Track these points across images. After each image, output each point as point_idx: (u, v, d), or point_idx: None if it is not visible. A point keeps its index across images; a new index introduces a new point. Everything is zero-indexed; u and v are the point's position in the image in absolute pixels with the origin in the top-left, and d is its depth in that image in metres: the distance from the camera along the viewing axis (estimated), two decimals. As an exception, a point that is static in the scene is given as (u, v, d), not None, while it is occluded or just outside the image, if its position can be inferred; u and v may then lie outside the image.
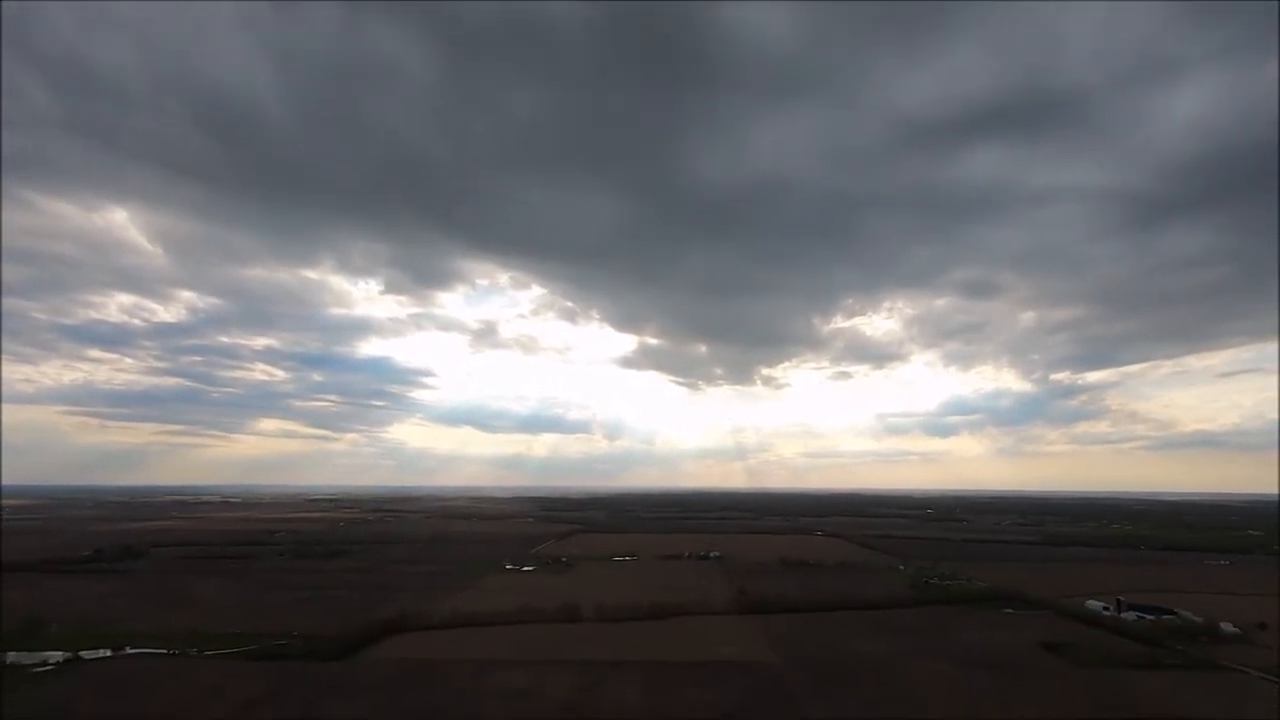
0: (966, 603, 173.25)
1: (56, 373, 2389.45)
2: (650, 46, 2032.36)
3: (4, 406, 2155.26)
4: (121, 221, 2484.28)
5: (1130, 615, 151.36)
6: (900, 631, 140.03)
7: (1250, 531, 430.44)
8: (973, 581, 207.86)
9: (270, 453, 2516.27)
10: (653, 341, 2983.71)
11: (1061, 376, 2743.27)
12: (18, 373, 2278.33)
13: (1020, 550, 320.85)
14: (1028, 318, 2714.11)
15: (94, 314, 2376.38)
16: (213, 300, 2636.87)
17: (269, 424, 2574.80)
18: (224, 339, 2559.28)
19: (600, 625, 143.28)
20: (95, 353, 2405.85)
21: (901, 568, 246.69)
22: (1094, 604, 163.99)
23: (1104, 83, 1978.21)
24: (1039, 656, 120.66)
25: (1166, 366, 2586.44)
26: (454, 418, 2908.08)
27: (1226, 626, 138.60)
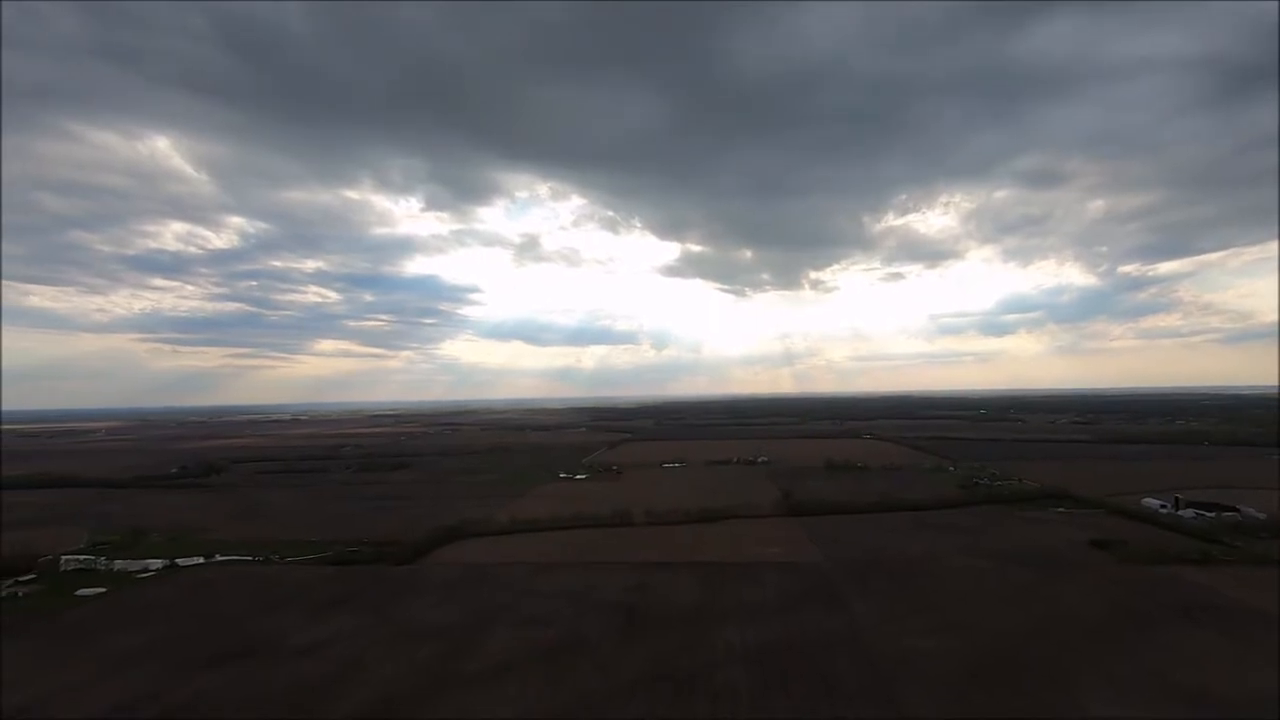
0: (1016, 502, 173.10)
1: (126, 302, 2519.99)
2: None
3: (84, 337, 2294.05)
4: (165, 149, 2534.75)
5: (1188, 512, 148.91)
6: (946, 531, 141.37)
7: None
8: (1023, 481, 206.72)
9: (331, 372, 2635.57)
10: (696, 248, 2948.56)
11: (1130, 269, 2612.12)
12: (91, 303, 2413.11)
13: (1076, 449, 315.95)
14: (1096, 207, 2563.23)
15: (152, 243, 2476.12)
16: (261, 225, 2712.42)
17: (326, 344, 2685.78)
18: (276, 263, 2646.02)
19: (650, 529, 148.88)
20: (159, 281, 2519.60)
21: (951, 469, 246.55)
22: (1150, 502, 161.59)
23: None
24: (1086, 553, 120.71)
25: (1249, 253, 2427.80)
26: (503, 332, 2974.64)
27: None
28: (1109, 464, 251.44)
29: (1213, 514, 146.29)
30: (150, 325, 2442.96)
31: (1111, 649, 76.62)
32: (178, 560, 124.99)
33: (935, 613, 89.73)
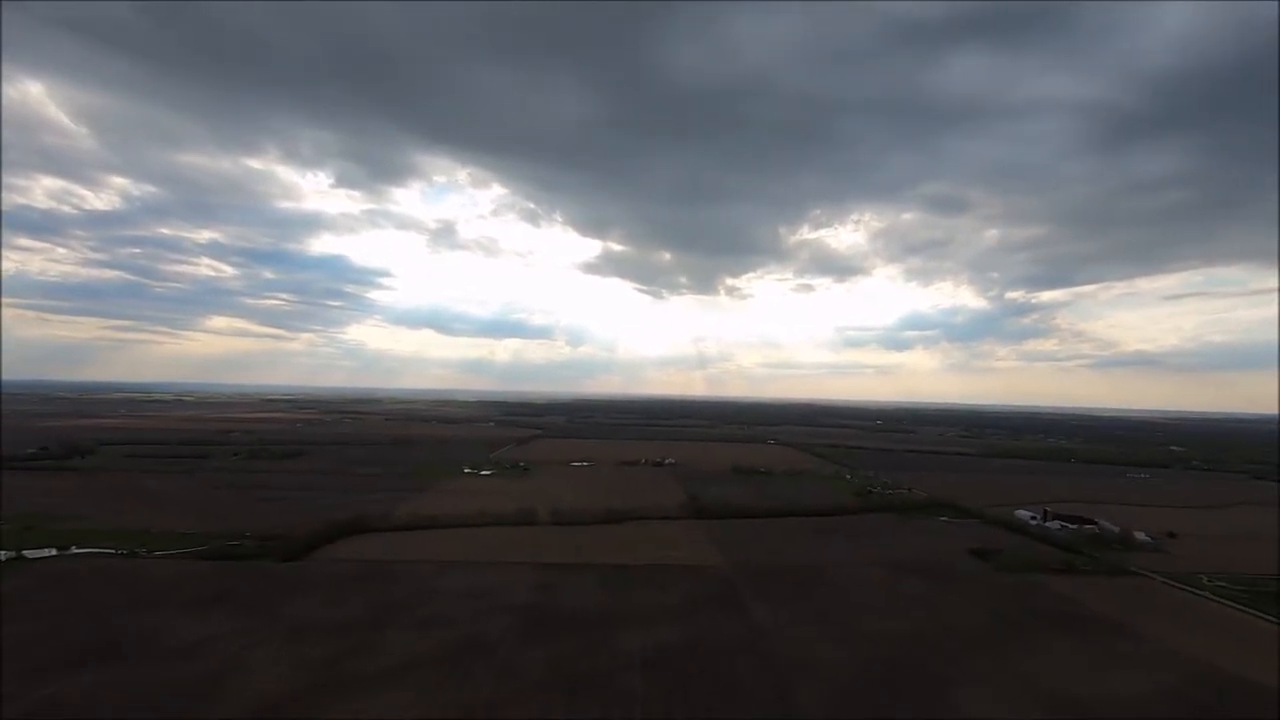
0: (906, 510, 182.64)
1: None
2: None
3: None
4: (38, 95, 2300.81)
5: (1054, 524, 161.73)
6: (841, 537, 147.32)
7: (1172, 447, 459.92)
8: (913, 490, 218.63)
9: (224, 351, 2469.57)
10: (617, 247, 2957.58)
11: (1017, 295, 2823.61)
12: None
13: (961, 461, 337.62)
14: (991, 235, 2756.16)
15: (19, 198, 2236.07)
16: (149, 188, 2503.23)
17: (219, 322, 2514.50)
18: (164, 230, 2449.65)
19: (556, 529, 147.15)
20: (25, 241, 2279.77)
21: (848, 476, 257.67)
22: (1023, 513, 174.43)
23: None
24: (966, 562, 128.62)
25: (1117, 288, 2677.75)
26: (414, 319, 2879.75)
27: (1140, 535, 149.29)
28: (989, 476, 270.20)
29: (1075, 526, 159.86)
30: (14, 288, 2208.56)
31: (987, 654, 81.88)
32: (25, 552, 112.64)
33: (830, 619, 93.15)
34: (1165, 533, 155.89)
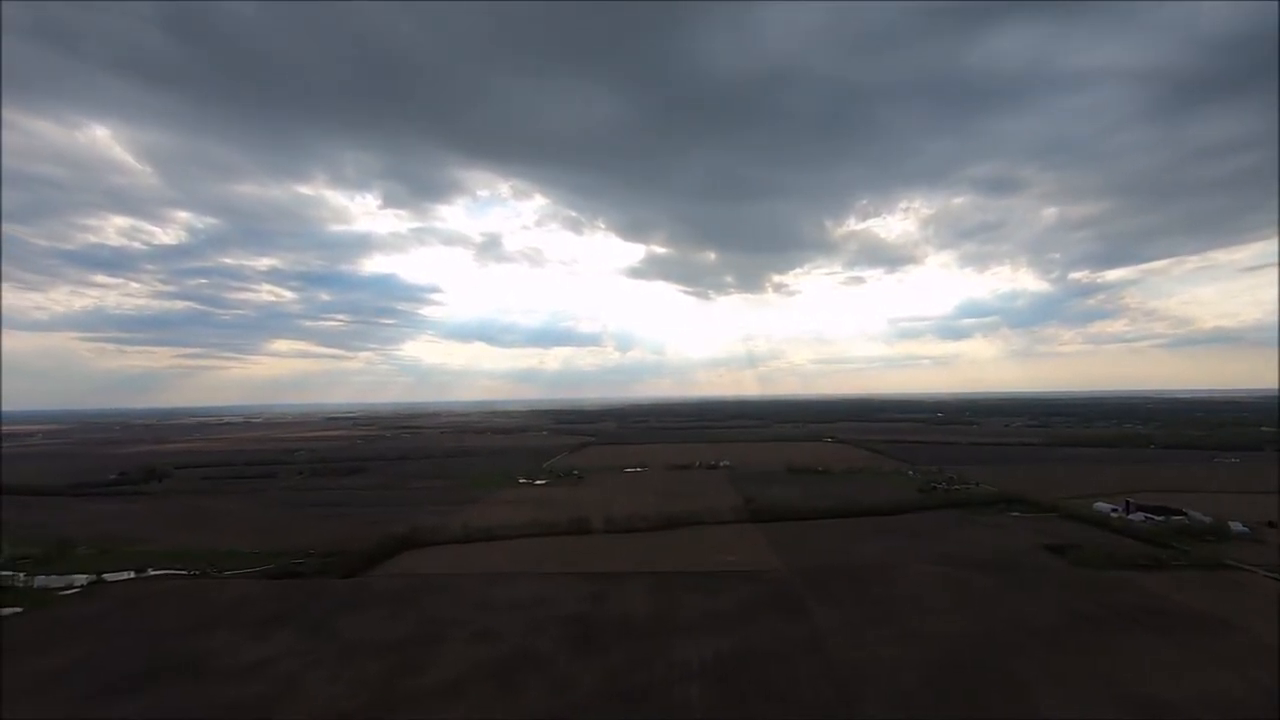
0: (972, 506, 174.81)
1: (66, 299, 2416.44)
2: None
3: (21, 335, 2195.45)
4: (104, 139, 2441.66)
5: (1138, 517, 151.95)
6: (904, 536, 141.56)
7: (1262, 428, 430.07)
8: (979, 485, 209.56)
9: (287, 372, 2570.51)
10: (660, 250, 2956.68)
11: (1080, 275, 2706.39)
12: (28, 300, 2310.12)
13: (1029, 452, 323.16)
14: (1049, 214, 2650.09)
15: (92, 238, 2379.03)
16: (210, 220, 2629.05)
17: (282, 344, 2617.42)
18: (227, 260, 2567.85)
19: (609, 537, 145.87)
20: (100, 277, 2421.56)
21: (909, 472, 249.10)
22: (1102, 506, 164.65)
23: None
24: (1041, 558, 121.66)
25: (1190, 262, 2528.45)
26: (464, 333, 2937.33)
27: (1235, 525, 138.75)
28: (1061, 467, 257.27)
29: (1161, 518, 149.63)
30: (93, 324, 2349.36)
31: (1067, 655, 76.49)
32: (105, 575, 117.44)
33: (895, 621, 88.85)
34: (1264, 522, 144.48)
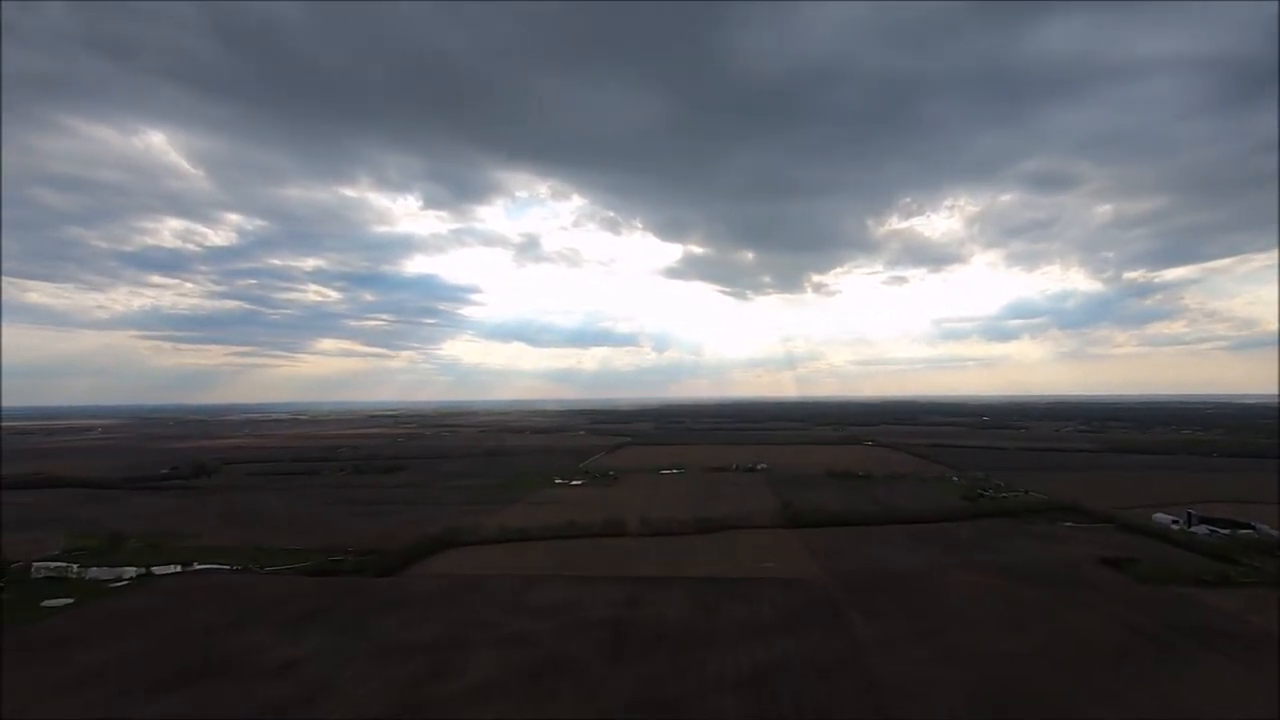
0: (1022, 515, 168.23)
1: (125, 299, 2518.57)
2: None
3: (84, 333, 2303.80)
4: (160, 144, 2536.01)
5: (1202, 529, 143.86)
6: (950, 546, 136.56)
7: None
8: (1029, 492, 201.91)
9: (333, 371, 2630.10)
10: (698, 250, 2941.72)
11: (1135, 275, 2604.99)
12: (91, 300, 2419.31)
13: (1082, 459, 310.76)
14: (1103, 211, 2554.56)
15: (149, 240, 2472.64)
16: (259, 222, 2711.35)
17: (328, 344, 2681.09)
18: (275, 261, 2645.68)
19: (645, 540, 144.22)
20: (157, 278, 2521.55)
21: (954, 478, 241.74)
22: (1162, 517, 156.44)
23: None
24: (1097, 572, 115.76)
25: (1257, 260, 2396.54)
26: (504, 333, 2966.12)
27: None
28: (1116, 475, 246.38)
29: (1227, 531, 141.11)
30: (150, 323, 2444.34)
31: (1124, 676, 72.07)
32: (153, 569, 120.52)
33: (941, 636, 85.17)
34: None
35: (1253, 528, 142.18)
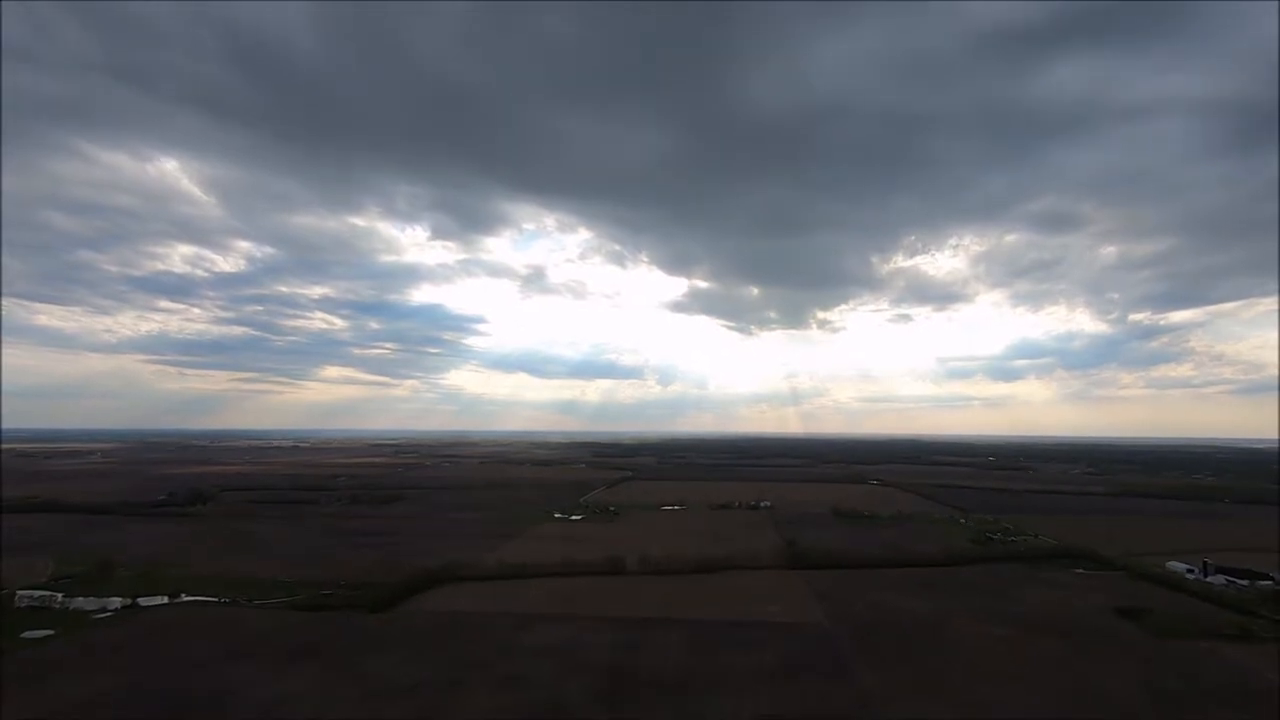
0: (1032, 560, 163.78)
1: (133, 323, 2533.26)
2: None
3: (92, 356, 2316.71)
4: (173, 171, 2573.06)
5: (1218, 579, 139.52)
6: (960, 592, 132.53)
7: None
8: (1039, 537, 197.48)
9: (336, 398, 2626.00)
10: (703, 285, 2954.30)
11: (1141, 316, 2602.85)
12: (99, 324, 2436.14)
13: (1091, 503, 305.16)
14: (1108, 253, 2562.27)
15: (160, 265, 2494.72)
16: (268, 249, 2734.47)
17: (332, 371, 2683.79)
18: (282, 288, 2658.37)
19: (644, 579, 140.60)
20: (165, 303, 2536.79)
21: (962, 520, 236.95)
22: (1176, 565, 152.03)
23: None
24: (1113, 623, 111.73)
25: (1263, 304, 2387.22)
26: (508, 364, 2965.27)
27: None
28: (1127, 520, 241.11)
29: (1245, 582, 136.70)
30: (157, 347, 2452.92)
31: (1150, 741, 68.58)
32: (140, 599, 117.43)
33: (949, 689, 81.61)
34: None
35: (1271, 578, 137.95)
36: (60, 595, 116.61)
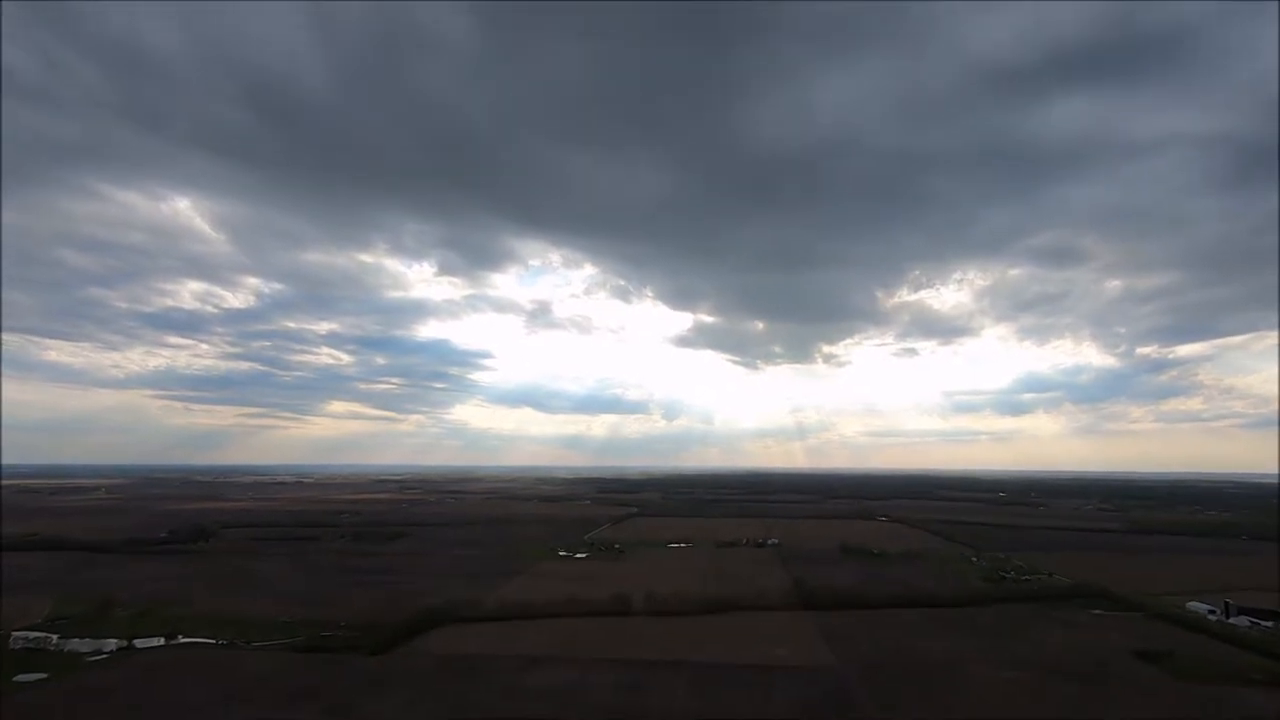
0: (1047, 600, 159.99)
1: (141, 359, 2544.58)
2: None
3: (100, 392, 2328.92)
4: (185, 209, 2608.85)
5: (1242, 621, 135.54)
6: (973, 633, 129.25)
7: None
8: (1054, 575, 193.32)
9: (341, 434, 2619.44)
10: (708, 319, 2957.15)
11: (1148, 350, 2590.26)
12: (107, 359, 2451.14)
13: (1105, 539, 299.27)
14: (1113, 286, 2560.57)
15: (169, 301, 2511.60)
16: (277, 286, 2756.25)
17: (337, 406, 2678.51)
18: (290, 324, 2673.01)
19: (650, 619, 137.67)
20: (174, 339, 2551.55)
21: (973, 558, 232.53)
22: (1197, 606, 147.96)
23: (1210, 14, 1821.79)
24: (1133, 667, 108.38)
25: (1271, 337, 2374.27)
26: (513, 399, 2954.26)
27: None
28: (1143, 558, 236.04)
29: (1270, 624, 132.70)
30: (164, 382, 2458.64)
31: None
32: (136, 641, 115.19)
33: (968, 737, 78.86)
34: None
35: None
36: (55, 637, 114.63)
